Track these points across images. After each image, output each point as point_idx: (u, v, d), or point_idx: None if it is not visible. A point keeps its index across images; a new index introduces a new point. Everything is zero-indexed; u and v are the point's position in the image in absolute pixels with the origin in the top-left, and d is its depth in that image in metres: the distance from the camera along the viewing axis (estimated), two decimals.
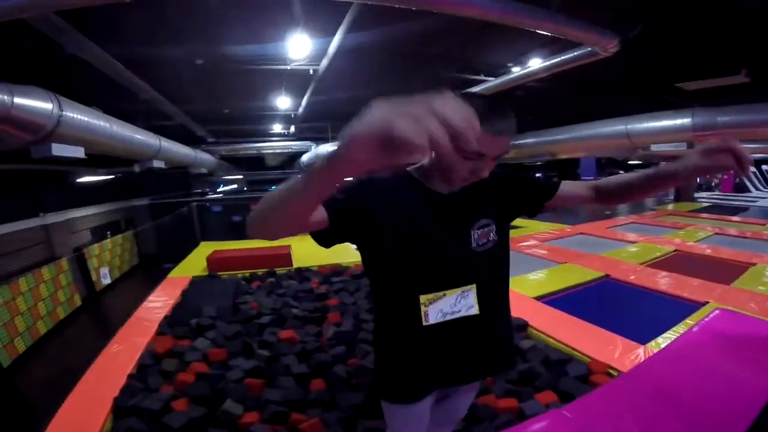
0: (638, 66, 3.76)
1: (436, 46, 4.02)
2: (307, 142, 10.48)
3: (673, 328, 4.00)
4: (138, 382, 3.26)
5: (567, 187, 1.33)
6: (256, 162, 12.05)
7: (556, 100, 6.21)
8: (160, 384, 3.25)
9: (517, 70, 4.44)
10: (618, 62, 3.35)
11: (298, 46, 3.74)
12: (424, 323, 1.13)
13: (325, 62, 4.25)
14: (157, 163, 7.06)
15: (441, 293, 1.14)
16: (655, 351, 3.49)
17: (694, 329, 3.17)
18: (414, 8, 2.20)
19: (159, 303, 5.19)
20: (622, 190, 1.26)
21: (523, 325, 4.00)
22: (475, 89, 4.57)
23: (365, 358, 3.55)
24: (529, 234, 9.66)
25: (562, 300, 5.16)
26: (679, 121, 6.08)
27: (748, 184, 22.00)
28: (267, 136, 10.42)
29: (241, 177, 13.01)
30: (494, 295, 1.25)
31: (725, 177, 21.92)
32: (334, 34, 3.64)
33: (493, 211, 1.26)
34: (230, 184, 13.69)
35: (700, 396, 2.41)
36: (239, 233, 10.88)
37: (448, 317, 1.15)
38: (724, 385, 2.48)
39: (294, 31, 3.47)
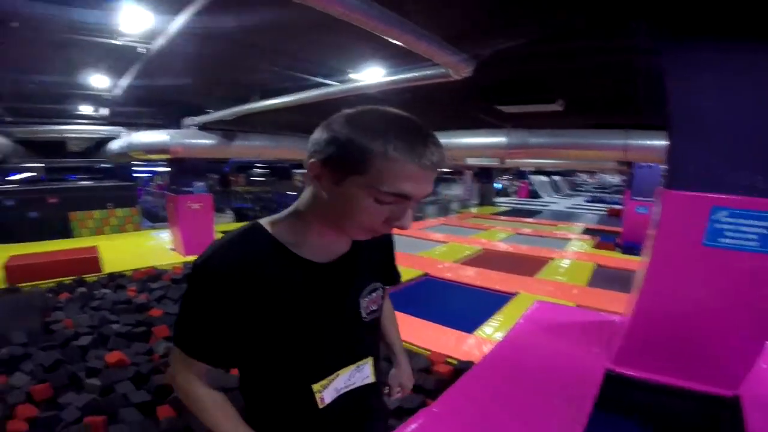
0: (467, 87, 4.13)
1: (282, 43, 3.89)
2: (119, 128, 9.25)
3: (493, 317, 4.62)
4: None
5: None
6: (58, 147, 10.18)
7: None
8: None
9: (356, 77, 4.45)
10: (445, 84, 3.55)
11: (135, 20, 3.29)
12: (320, 406, 0.97)
13: (161, 41, 3.81)
14: None
15: (334, 375, 0.99)
16: (483, 338, 3.98)
17: (521, 321, 3.66)
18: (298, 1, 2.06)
19: None
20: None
21: None
22: (315, 92, 4.52)
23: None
24: None
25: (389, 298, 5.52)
26: (495, 139, 6.88)
27: (540, 190, 26.21)
28: (73, 117, 8.92)
29: (42, 165, 10.93)
30: (383, 356, 1.19)
31: (521, 185, 25.69)
32: (177, 12, 3.29)
33: (381, 272, 1.12)
34: (25, 171, 11.48)
35: (547, 378, 2.84)
36: (37, 233, 9.40)
37: (343, 391, 1.02)
38: (564, 366, 2.97)
39: (133, 2, 3.05)
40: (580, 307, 4.83)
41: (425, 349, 3.75)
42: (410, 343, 3.83)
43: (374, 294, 1.06)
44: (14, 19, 3.17)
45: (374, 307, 1.06)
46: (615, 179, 33.44)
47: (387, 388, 1.36)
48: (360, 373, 1.05)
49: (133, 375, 3.35)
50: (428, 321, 4.37)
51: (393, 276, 1.22)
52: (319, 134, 0.81)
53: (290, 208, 0.94)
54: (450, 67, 3.21)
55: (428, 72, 3.46)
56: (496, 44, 3.39)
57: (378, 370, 1.12)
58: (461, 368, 3.25)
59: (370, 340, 1.10)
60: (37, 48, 4.06)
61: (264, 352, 0.91)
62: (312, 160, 0.81)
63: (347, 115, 0.80)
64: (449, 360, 3.60)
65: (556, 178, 30.15)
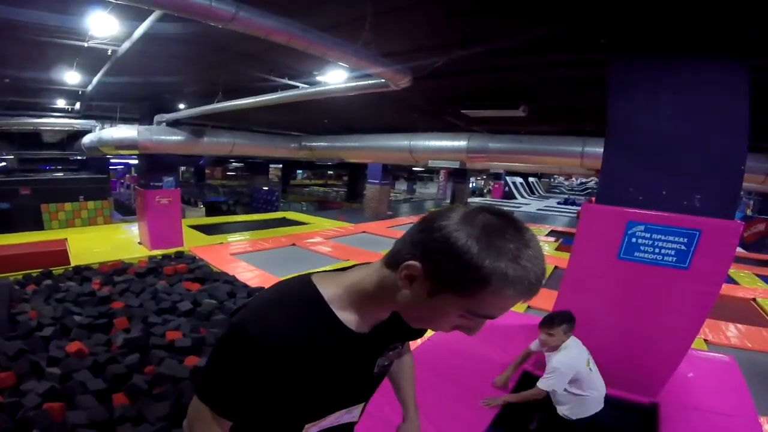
0: (430, 92, 4.27)
1: (245, 44, 4.08)
2: (92, 121, 9.38)
3: None
4: None
5: None
6: (31, 138, 10.23)
7: (352, 109, 6.81)
8: None
9: (322, 79, 4.64)
10: (413, 87, 3.76)
11: (103, 25, 3.48)
12: None
13: (127, 45, 4.00)
14: None
15: (325, 416, 0.99)
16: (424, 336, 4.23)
17: None
18: (220, 27, 2.33)
19: None
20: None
21: None
22: (281, 94, 4.69)
23: (161, 365, 3.55)
24: (314, 231, 10.29)
25: None
26: (456, 143, 7.08)
27: (515, 191, 26.63)
28: (48, 110, 9.03)
29: (11, 157, 10.93)
30: None
31: (496, 186, 26.03)
32: (143, 19, 3.48)
33: (406, 332, 1.05)
34: None
35: (465, 374, 3.07)
36: (6, 224, 9.44)
37: (327, 426, 1.01)
38: (486, 364, 3.20)
39: (101, 9, 3.24)
40: (530, 307, 5.12)
41: None
42: None
43: (391, 352, 1.06)
44: None
45: (386, 363, 1.06)
46: (592, 182, 34.06)
47: None
48: (348, 414, 1.06)
49: (91, 365, 3.51)
50: None
51: (418, 332, 1.15)
52: (429, 235, 0.72)
53: (355, 281, 0.89)
54: (388, 78, 3.44)
55: (371, 81, 3.68)
56: (436, 59, 3.60)
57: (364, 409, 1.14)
58: None
59: (371, 390, 1.09)
60: (12, 46, 4.21)
61: (278, 407, 0.89)
62: (413, 262, 0.72)
63: (480, 229, 0.68)
64: None
65: (532, 179, 30.66)
